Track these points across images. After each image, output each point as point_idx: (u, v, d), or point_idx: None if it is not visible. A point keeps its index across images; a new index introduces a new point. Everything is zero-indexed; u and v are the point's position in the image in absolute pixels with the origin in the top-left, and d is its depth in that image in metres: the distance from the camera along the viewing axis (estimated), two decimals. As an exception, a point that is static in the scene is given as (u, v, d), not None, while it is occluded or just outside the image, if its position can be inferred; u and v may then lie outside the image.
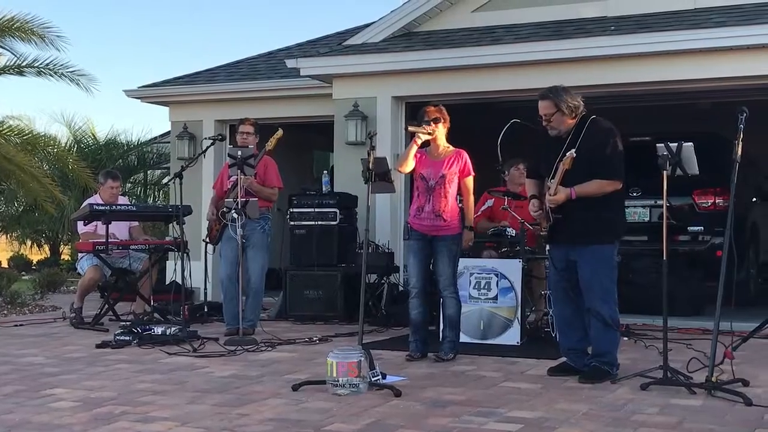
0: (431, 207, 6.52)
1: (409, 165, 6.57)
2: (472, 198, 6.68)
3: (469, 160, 6.65)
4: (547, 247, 6.32)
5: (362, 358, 5.33)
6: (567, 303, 6.02)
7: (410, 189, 10.22)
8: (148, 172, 19.50)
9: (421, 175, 6.58)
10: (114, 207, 8.87)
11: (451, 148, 6.67)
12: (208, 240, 8.60)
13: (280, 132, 8.15)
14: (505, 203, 8.05)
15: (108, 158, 17.92)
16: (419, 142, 6.52)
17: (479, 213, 8.47)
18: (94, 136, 19.03)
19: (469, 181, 6.64)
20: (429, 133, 6.52)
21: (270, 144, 8.14)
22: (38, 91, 65.72)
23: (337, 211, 9.46)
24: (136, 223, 9.41)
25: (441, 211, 6.50)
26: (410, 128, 6.60)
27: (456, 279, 6.66)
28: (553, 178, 5.78)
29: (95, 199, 9.31)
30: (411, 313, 6.63)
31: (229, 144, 10.39)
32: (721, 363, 5.43)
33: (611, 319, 5.79)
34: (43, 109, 32.57)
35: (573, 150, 5.64)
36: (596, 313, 5.77)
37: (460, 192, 6.66)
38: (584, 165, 5.68)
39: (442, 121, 6.61)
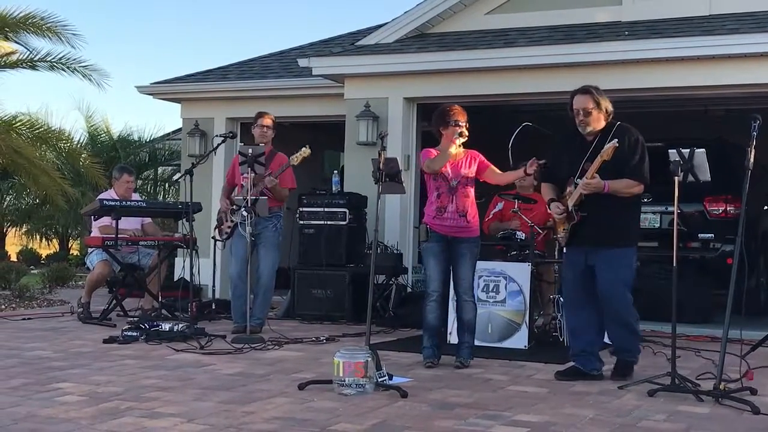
0: (455, 207, 6.44)
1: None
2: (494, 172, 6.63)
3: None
4: (564, 250, 6.32)
5: (369, 359, 5.33)
6: (581, 306, 6.06)
7: (420, 190, 10.28)
8: (159, 168, 19.55)
9: (442, 175, 6.47)
10: (124, 203, 8.89)
11: (462, 148, 6.62)
12: (217, 236, 8.55)
13: (308, 151, 8.08)
14: (516, 206, 8.03)
15: (122, 155, 17.97)
16: (458, 143, 6.46)
17: (490, 216, 8.47)
18: (108, 131, 19.09)
19: (492, 166, 6.60)
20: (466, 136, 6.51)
21: (296, 160, 8.07)
22: (51, 86, 65.93)
23: (347, 211, 9.45)
24: (149, 220, 9.42)
25: (465, 211, 6.44)
26: (457, 135, 6.44)
27: (474, 283, 6.62)
28: (579, 177, 5.87)
29: (109, 194, 9.33)
30: (428, 317, 6.48)
31: (240, 141, 10.40)
32: (739, 378, 5.47)
33: (634, 320, 5.99)
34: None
35: (615, 140, 5.67)
36: (616, 315, 5.93)
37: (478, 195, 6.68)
38: (612, 167, 5.75)
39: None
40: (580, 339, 6.09)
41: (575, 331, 6.17)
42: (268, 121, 8.29)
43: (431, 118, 6.74)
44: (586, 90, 6.00)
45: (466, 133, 6.49)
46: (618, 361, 6.05)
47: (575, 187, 5.91)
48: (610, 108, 6.00)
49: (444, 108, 6.63)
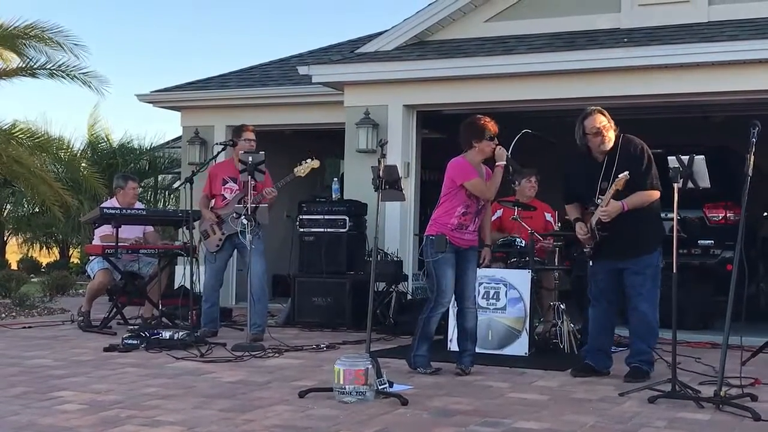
0: (474, 227, 6.46)
1: None
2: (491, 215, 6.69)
3: None
4: (590, 262, 6.49)
5: (369, 366, 5.32)
6: (603, 308, 6.38)
7: (420, 198, 10.29)
8: (159, 176, 19.55)
9: (476, 197, 6.39)
10: (124, 210, 8.89)
11: (483, 166, 6.51)
12: (208, 248, 8.37)
13: (316, 163, 8.11)
14: (515, 213, 8.03)
15: (122, 163, 17.99)
16: (502, 164, 6.39)
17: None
18: (108, 139, 19.11)
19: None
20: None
21: (302, 171, 8.11)
22: (49, 94, 66.00)
23: (347, 218, 9.45)
24: (151, 228, 9.42)
25: (477, 229, 6.51)
26: (506, 158, 6.38)
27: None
28: (602, 195, 6.12)
29: (112, 203, 9.32)
30: (432, 326, 6.46)
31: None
32: (747, 386, 5.52)
33: (655, 321, 6.21)
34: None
35: (627, 172, 5.89)
36: (643, 314, 6.17)
37: None
38: (627, 182, 5.97)
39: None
40: (597, 340, 6.42)
41: (593, 327, 6.45)
42: (251, 134, 8.33)
43: (459, 129, 6.55)
44: (599, 110, 6.24)
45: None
46: (633, 368, 6.19)
47: (595, 209, 6.17)
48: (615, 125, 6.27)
49: (477, 120, 6.48)
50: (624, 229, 6.09)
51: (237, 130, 8.43)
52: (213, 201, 8.36)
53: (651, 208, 6.20)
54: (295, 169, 8.14)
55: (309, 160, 8.13)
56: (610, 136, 6.16)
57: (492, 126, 6.44)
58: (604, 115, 6.22)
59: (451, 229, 6.38)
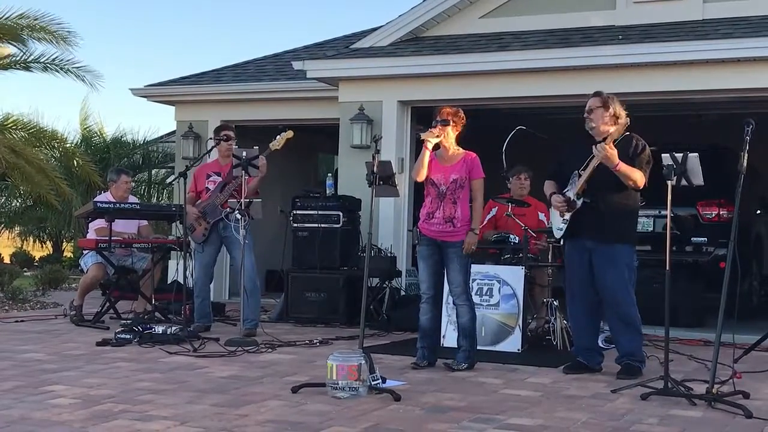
0: (442, 213, 6.38)
1: (425, 172, 6.40)
2: (481, 200, 6.44)
3: (478, 163, 6.44)
4: (562, 242, 6.47)
5: (362, 362, 5.33)
6: (582, 303, 6.31)
7: (414, 193, 10.29)
8: (153, 171, 19.50)
9: (432, 181, 6.42)
10: (118, 205, 8.87)
11: (461, 151, 6.47)
12: (196, 240, 8.36)
13: (290, 133, 8.07)
14: (509, 210, 8.02)
15: (115, 157, 17.95)
16: (429, 147, 6.33)
17: (485, 222, 8.42)
18: (102, 134, 19.05)
19: (478, 183, 6.41)
20: (437, 136, 6.32)
21: (277, 144, 8.04)
22: (41, 88, 65.84)
23: (341, 213, 9.43)
24: (145, 222, 9.40)
25: (452, 216, 6.36)
26: (421, 135, 6.41)
27: (469, 286, 6.55)
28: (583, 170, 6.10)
29: (105, 197, 9.30)
30: (420, 318, 6.53)
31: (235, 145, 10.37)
32: (727, 380, 5.49)
33: (638, 318, 6.18)
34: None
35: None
36: (625, 314, 6.14)
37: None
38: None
39: (453, 124, 6.39)
40: (583, 337, 6.40)
41: (579, 327, 6.43)
42: (231, 132, 8.32)
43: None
44: (596, 93, 6.31)
45: (435, 133, 6.31)
46: (624, 366, 6.19)
47: (578, 178, 6.12)
48: (622, 114, 6.18)
49: (437, 108, 6.56)
50: (603, 204, 6.09)
51: (216, 130, 8.44)
52: (200, 197, 8.35)
53: (629, 204, 6.19)
54: (271, 144, 8.03)
55: (283, 133, 8.10)
56: (593, 118, 6.14)
57: (443, 112, 6.42)
58: (600, 98, 6.21)
59: (423, 220, 6.52)
